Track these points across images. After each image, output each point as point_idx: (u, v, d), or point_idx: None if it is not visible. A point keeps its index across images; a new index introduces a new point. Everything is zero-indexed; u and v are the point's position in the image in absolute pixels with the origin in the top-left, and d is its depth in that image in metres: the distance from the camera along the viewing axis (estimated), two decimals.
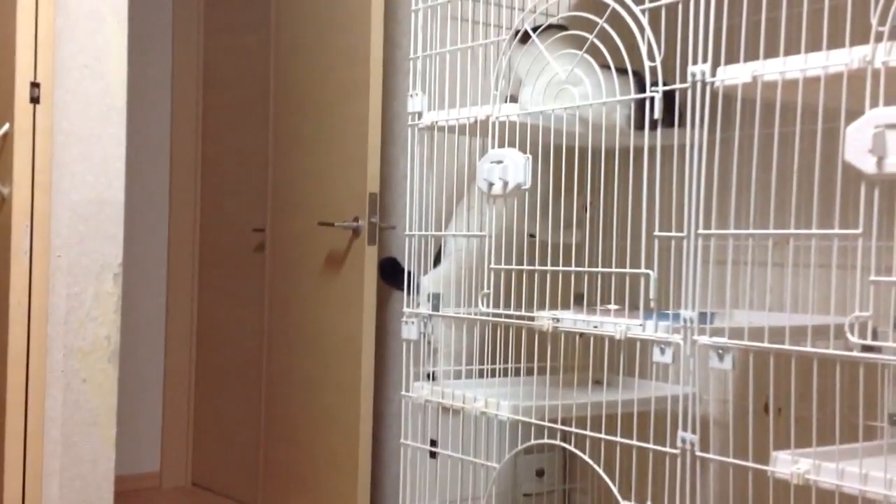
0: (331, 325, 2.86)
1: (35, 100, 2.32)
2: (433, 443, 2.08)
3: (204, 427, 4.02)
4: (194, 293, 4.05)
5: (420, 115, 2.07)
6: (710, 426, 1.79)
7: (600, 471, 1.62)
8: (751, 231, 1.48)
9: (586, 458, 1.65)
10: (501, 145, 1.86)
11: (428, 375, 2.18)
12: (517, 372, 2.09)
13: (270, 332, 3.30)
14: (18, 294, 2.32)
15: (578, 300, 2.06)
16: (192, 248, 4.05)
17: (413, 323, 2.04)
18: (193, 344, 4.05)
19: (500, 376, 2.05)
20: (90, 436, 2.44)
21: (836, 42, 1.38)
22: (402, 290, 2.09)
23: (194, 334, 4.05)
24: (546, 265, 1.82)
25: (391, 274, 2.65)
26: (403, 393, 2.04)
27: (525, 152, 1.81)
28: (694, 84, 1.52)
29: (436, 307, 2.03)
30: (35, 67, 2.32)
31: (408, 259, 2.08)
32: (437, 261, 2.25)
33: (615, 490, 1.59)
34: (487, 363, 2.10)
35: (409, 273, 2.08)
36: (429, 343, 2.20)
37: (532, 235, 2.07)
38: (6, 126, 2.33)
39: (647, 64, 1.59)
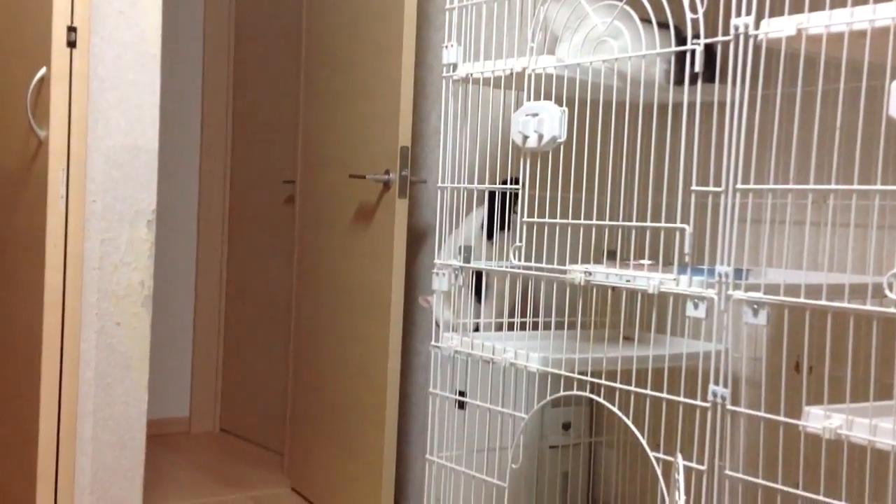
0: (360, 278, 2.87)
1: (72, 44, 2.33)
2: (461, 394, 2.10)
3: (233, 375, 4.07)
4: (224, 243, 4.09)
5: (455, 66, 2.06)
6: (741, 384, 1.79)
7: (629, 422, 1.63)
8: (790, 186, 1.46)
9: (615, 409, 1.66)
10: (537, 98, 1.85)
11: (476, 327, 2.19)
12: (547, 326, 2.10)
13: (299, 283, 3.32)
14: (54, 238, 2.34)
15: (611, 256, 2.06)
16: (223, 198, 4.08)
17: (444, 274, 2.05)
18: (223, 293, 4.09)
19: (529, 330, 2.06)
20: (123, 378, 2.48)
21: None
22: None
23: (224, 283, 4.09)
24: (580, 220, 1.81)
25: None
26: (433, 344, 2.06)
27: (561, 105, 1.80)
28: (737, 37, 1.50)
29: (466, 259, 2.03)
30: (72, 11, 2.33)
31: (440, 211, 2.08)
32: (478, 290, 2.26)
33: (644, 442, 1.60)
34: (518, 317, 2.11)
35: (440, 227, 2.09)
36: (478, 293, 2.22)
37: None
38: (43, 70, 2.34)
39: (688, 16, 1.57)
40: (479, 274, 2.22)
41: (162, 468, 3.51)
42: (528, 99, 1.86)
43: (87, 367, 2.42)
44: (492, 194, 2.21)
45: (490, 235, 2.26)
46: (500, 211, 2.12)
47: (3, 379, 2.58)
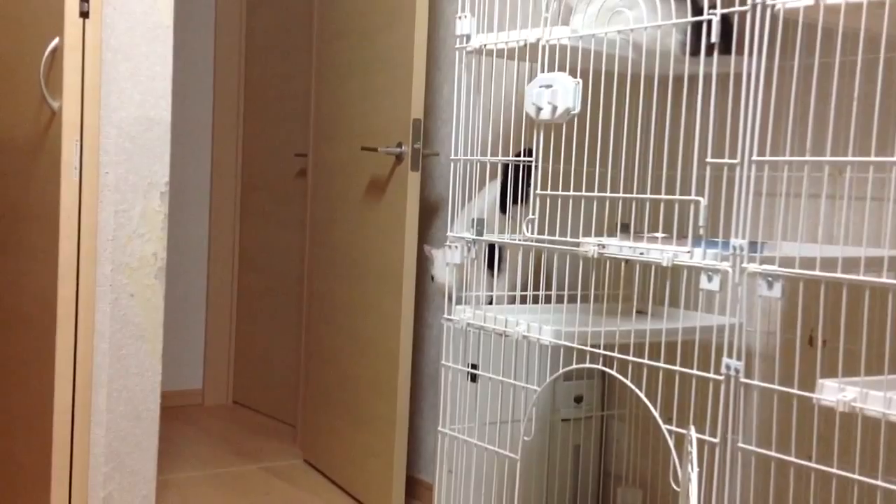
0: (372, 251, 2.87)
1: (84, 14, 2.32)
2: (473, 367, 2.10)
3: (246, 347, 4.09)
4: (237, 216, 4.09)
5: (468, 38, 2.04)
6: (754, 358, 1.78)
7: (642, 395, 1.63)
8: (806, 158, 1.45)
9: (628, 382, 1.66)
10: (551, 70, 1.84)
11: (489, 300, 2.19)
12: (560, 299, 2.10)
13: (312, 256, 3.32)
14: (68, 209, 2.35)
15: (625, 229, 2.05)
16: (235, 171, 4.08)
17: (457, 247, 2.05)
18: (235, 266, 4.10)
19: (542, 303, 2.05)
20: (137, 350, 2.49)
21: None
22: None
23: (236, 256, 4.10)
24: (593, 192, 1.80)
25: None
26: (445, 317, 2.06)
27: (575, 77, 1.79)
28: (754, 7, 1.48)
29: (479, 232, 2.03)
30: None
31: (452, 184, 2.07)
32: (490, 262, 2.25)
33: (656, 415, 1.60)
34: (530, 290, 2.11)
35: (453, 200, 2.09)
36: (490, 267, 2.21)
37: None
38: (56, 40, 2.34)
39: None
40: (492, 247, 2.22)
41: (175, 439, 3.54)
42: (542, 70, 1.85)
43: (102, 338, 2.44)
44: (505, 167, 2.20)
45: (504, 208, 2.25)
46: (513, 184, 2.11)
47: (18, 350, 2.60)
